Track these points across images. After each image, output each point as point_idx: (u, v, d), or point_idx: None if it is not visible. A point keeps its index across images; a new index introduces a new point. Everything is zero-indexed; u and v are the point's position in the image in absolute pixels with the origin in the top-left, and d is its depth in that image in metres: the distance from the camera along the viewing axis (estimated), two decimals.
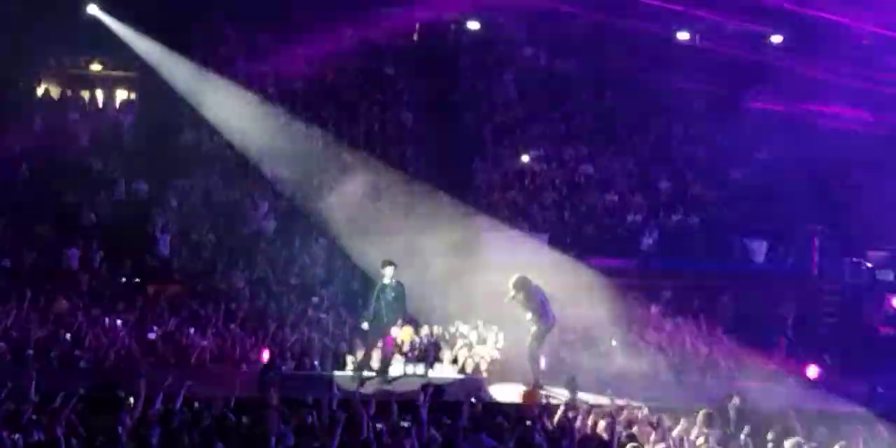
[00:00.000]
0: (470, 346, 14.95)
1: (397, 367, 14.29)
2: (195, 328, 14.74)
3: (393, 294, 13.30)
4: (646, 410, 11.25)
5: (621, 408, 11.26)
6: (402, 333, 15.06)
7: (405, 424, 10.20)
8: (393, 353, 13.94)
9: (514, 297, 13.38)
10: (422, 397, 10.92)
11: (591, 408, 11.28)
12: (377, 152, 19.34)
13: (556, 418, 10.78)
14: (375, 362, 13.98)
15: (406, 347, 14.78)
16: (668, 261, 18.85)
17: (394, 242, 16.52)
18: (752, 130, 20.79)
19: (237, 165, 19.11)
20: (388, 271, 13.31)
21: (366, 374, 13.44)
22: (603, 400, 12.14)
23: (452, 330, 15.59)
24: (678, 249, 19.23)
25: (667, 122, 21.66)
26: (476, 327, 15.58)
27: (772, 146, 20.38)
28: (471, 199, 19.10)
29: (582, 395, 12.60)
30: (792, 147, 19.67)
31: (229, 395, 10.95)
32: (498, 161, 21.01)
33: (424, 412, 10.53)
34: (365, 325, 13.57)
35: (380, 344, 13.65)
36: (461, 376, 14.28)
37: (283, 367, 13.78)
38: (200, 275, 17.13)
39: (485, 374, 14.25)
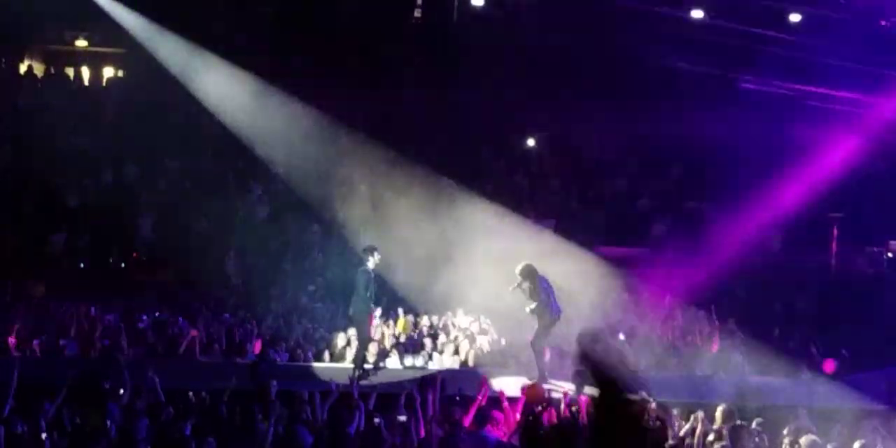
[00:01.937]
0: (472, 338, 15.00)
1: (395, 360, 14.34)
2: (184, 317, 14.77)
3: (373, 282, 13.32)
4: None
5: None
6: (399, 324, 15.19)
7: (404, 419, 10.16)
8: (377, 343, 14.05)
9: (519, 286, 13.36)
10: (421, 390, 10.91)
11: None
12: (378, 135, 19.28)
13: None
14: (373, 355, 14.03)
15: (404, 339, 14.84)
16: (681, 249, 18.79)
17: (391, 230, 16.51)
18: (762, 112, 20.71)
19: (229, 147, 19.10)
20: (374, 258, 13.31)
21: (364, 366, 13.44)
22: None
23: (453, 320, 15.65)
24: (692, 237, 19.22)
25: (678, 102, 21.56)
26: (477, 318, 15.65)
27: (785, 129, 20.31)
28: (475, 184, 19.08)
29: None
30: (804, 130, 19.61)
31: (221, 387, 10.92)
32: (502, 145, 20.98)
33: (424, 406, 10.54)
34: (362, 316, 13.49)
35: (374, 334, 13.67)
36: (463, 369, 14.31)
37: (277, 359, 13.79)
38: (190, 261, 17.14)
39: (487, 367, 14.26)
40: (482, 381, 11.35)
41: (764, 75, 19.92)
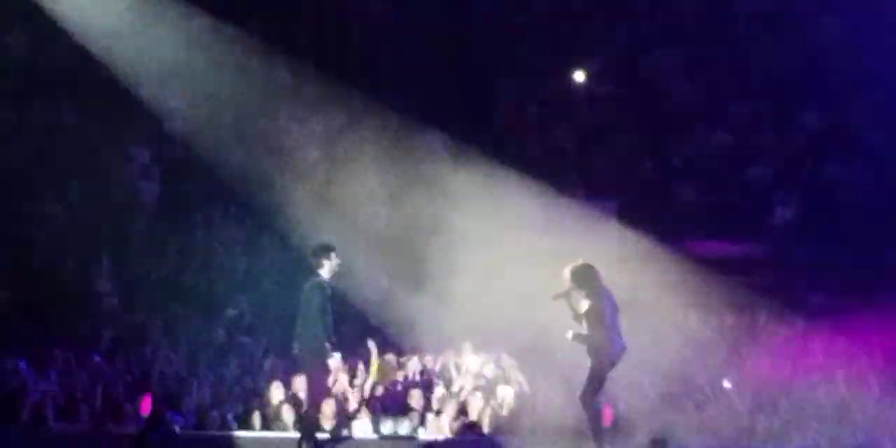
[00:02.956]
0: (487, 389, 15.04)
1: (366, 425, 14.38)
2: (29, 363, 14.76)
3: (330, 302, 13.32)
4: None
5: None
6: (372, 369, 15.17)
7: None
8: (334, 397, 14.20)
9: (566, 296, 13.28)
10: None
11: None
12: (332, 67, 19.26)
13: None
14: (329, 418, 14.07)
15: (380, 391, 14.90)
16: (817, 245, 18.84)
17: (357, 221, 16.74)
18: None
19: (97, 90, 19.10)
20: (330, 263, 13.30)
21: (316, 435, 13.31)
22: None
23: (457, 362, 15.72)
24: (833, 227, 19.24)
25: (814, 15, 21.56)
26: (496, 358, 15.72)
27: None
28: (490, 143, 19.07)
29: None
30: None
31: None
32: (532, 82, 20.98)
33: None
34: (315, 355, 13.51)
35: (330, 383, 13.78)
36: (474, 437, 14.34)
37: (177, 426, 13.80)
38: (38, 273, 17.12)
39: (511, 435, 14.26)
40: None
41: None
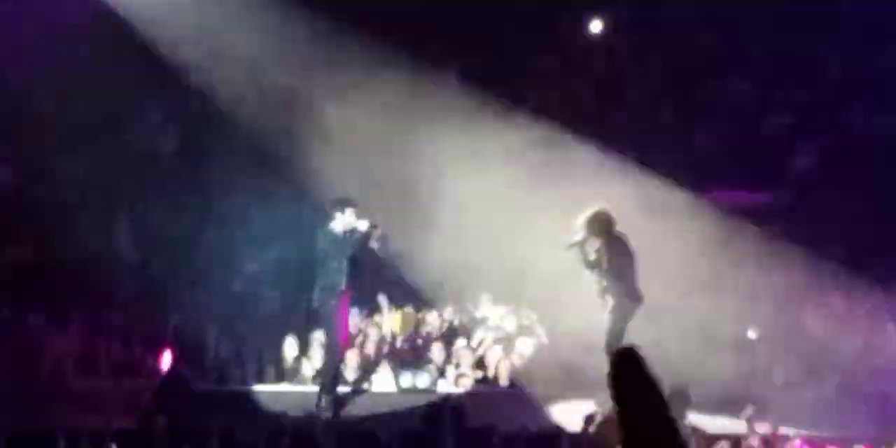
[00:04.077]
0: (507, 341, 15.05)
1: (386, 378, 14.38)
2: (50, 319, 14.85)
3: (350, 251, 13.33)
4: (797, 443, 11.22)
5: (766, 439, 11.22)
6: (392, 322, 15.25)
7: None
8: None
9: (580, 245, 13.20)
10: (429, 427, 11.12)
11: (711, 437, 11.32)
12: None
13: None
14: (350, 371, 14.10)
15: (400, 344, 14.95)
16: (838, 194, 18.69)
17: (376, 172, 16.66)
18: None
19: (113, 45, 18.80)
20: (344, 216, 13.30)
21: (335, 389, 13.42)
22: (733, 424, 12.14)
23: (476, 314, 15.71)
24: (854, 175, 19.10)
25: None
26: (516, 310, 15.70)
27: None
28: (507, 95, 18.94)
29: (695, 418, 12.55)
30: None
31: (107, 427, 11.10)
32: (551, 29, 20.81)
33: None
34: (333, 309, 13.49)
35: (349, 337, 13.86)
36: (494, 390, 14.38)
37: (197, 382, 13.89)
38: (57, 230, 17.09)
39: (532, 387, 14.33)
40: None
41: None
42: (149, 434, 10.84)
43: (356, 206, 13.46)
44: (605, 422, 12.30)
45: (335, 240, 13.24)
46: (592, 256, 13.19)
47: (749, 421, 11.65)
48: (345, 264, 13.24)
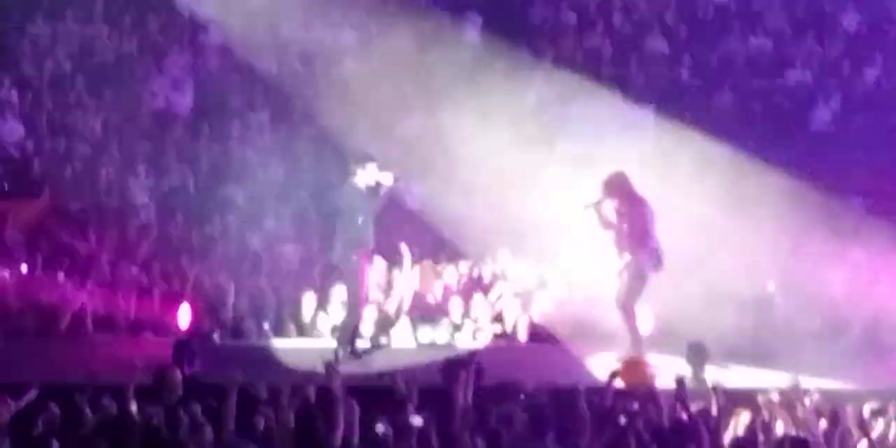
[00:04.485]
0: (525, 296, 15.01)
1: (404, 333, 14.40)
2: (68, 272, 14.80)
3: (373, 206, 13.33)
4: (816, 397, 11.18)
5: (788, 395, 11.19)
6: (411, 276, 15.11)
7: (420, 422, 10.18)
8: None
9: (597, 206, 13.24)
10: (447, 381, 10.99)
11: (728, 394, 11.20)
12: None
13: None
14: (369, 325, 14.07)
15: (417, 298, 14.90)
16: (858, 147, 18.60)
17: (401, 124, 16.57)
18: None
19: (135, 1, 19.07)
20: (366, 172, 13.27)
21: (355, 344, 13.49)
22: (751, 379, 12.20)
23: (494, 269, 15.63)
24: (874, 129, 18.93)
25: None
26: (535, 264, 15.64)
27: None
28: (525, 49, 18.84)
29: (714, 373, 12.62)
30: None
31: (126, 382, 10.67)
32: None
33: (452, 405, 10.60)
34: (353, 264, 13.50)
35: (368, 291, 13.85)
36: (511, 345, 14.41)
37: (215, 335, 14.00)
38: (76, 184, 17.06)
39: (550, 342, 14.38)
40: None
41: None
42: (166, 389, 10.78)
43: (377, 161, 13.44)
44: (629, 365, 12.42)
45: (358, 195, 13.23)
46: (612, 217, 13.22)
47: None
48: (368, 220, 13.23)
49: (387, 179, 13.35)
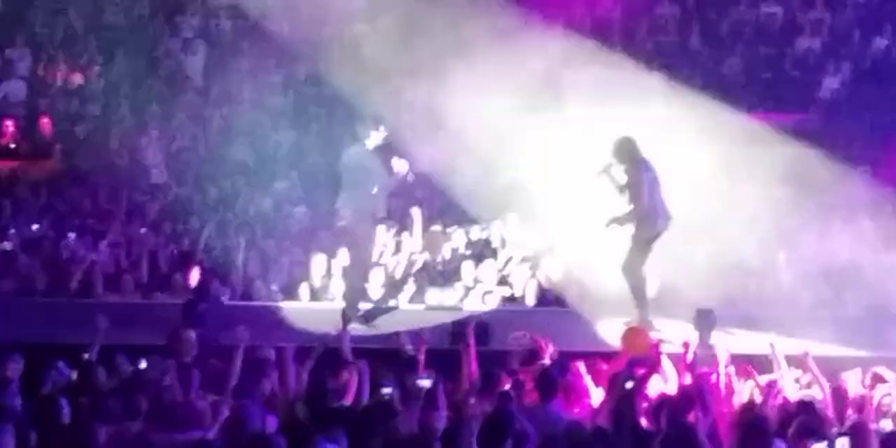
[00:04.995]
0: (533, 261, 15.02)
1: (413, 294, 14.44)
2: (79, 233, 14.86)
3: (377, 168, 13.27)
4: (821, 362, 11.15)
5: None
6: (420, 240, 15.19)
7: (427, 384, 10.18)
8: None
9: (607, 172, 13.23)
10: (455, 343, 11.09)
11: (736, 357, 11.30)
12: None
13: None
14: (377, 287, 14.10)
15: (425, 261, 14.93)
16: (867, 115, 18.57)
17: (411, 87, 16.59)
18: None
19: None
20: (375, 134, 13.25)
21: (363, 306, 13.47)
22: (757, 345, 12.11)
23: (502, 234, 15.66)
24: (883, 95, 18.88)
25: None
26: (542, 230, 15.61)
27: None
28: (536, 13, 18.71)
29: (718, 338, 12.60)
30: None
31: (136, 343, 11.17)
32: None
33: (459, 367, 10.63)
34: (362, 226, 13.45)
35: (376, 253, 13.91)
36: (518, 308, 14.38)
37: (224, 297, 13.97)
38: (86, 144, 17.03)
39: (556, 306, 14.37)
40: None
41: None
42: (178, 349, 10.81)
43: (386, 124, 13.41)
44: (632, 332, 12.41)
45: (369, 156, 13.19)
46: (619, 183, 13.22)
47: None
48: (378, 183, 13.19)
49: (401, 166, 13.30)
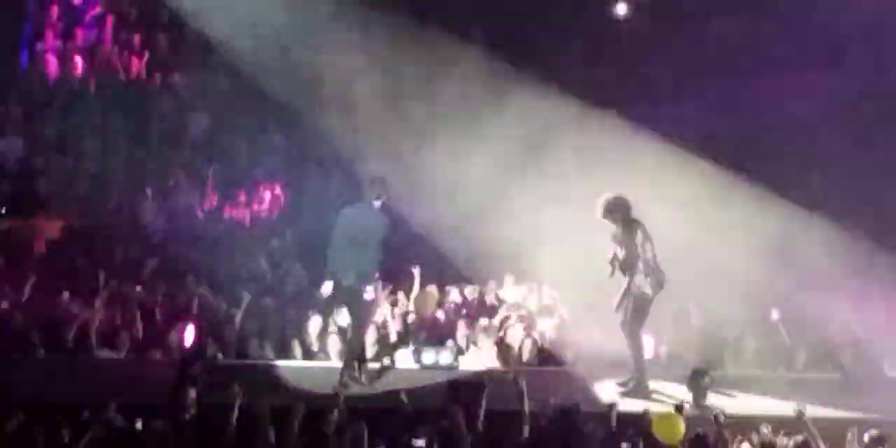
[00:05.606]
0: (528, 320, 14.96)
1: (408, 355, 14.31)
2: (72, 291, 14.82)
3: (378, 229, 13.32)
4: (817, 425, 11.12)
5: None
6: (416, 300, 15.21)
7: (421, 444, 10.34)
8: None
9: (616, 259, 13.28)
10: (453, 405, 10.98)
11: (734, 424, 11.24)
12: None
13: None
14: (372, 346, 14.13)
15: (421, 321, 14.97)
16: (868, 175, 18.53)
17: (408, 147, 16.71)
18: None
19: (145, 23, 19.50)
20: (382, 195, 13.35)
21: (358, 365, 13.43)
22: (753, 405, 12.14)
23: (498, 293, 15.66)
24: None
25: None
26: (537, 289, 15.63)
27: None
28: (532, 73, 18.77)
29: (715, 400, 12.60)
30: None
31: (133, 401, 11.13)
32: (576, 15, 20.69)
33: (458, 429, 10.62)
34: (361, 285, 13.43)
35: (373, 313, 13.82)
36: (517, 368, 14.15)
37: (218, 355, 13.97)
38: (85, 203, 17.18)
39: (553, 366, 14.36)
40: None
41: None
42: (180, 408, 10.79)
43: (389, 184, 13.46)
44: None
45: (372, 217, 13.24)
46: (616, 234, 13.22)
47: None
48: (377, 242, 13.22)
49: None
